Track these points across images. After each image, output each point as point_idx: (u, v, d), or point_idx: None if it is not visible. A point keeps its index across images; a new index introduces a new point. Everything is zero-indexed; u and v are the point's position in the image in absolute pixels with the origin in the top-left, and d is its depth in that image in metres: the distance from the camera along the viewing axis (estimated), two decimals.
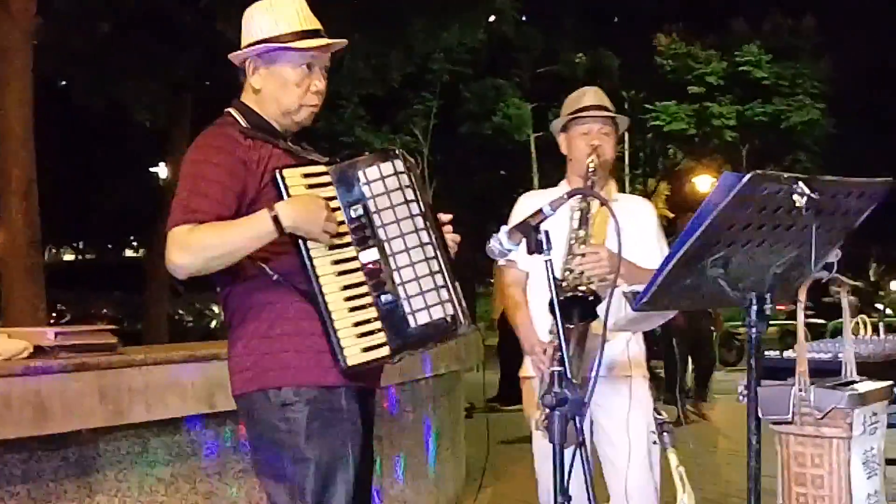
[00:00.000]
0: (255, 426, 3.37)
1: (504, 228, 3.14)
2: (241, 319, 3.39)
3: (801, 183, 2.82)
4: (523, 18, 32.88)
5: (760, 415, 3.19)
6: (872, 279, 42.27)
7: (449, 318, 3.30)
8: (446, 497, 7.31)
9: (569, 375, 3.05)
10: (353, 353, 3.21)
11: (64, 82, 18.91)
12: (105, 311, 20.31)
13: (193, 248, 3.18)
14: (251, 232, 3.18)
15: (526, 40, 36.23)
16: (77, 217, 31.12)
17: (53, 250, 40.76)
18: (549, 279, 3.07)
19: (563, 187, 4.72)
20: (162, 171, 26.69)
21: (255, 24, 3.48)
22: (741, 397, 4.14)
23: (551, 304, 3.11)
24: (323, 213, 3.18)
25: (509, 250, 3.28)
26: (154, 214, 18.53)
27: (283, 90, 3.44)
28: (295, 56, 3.43)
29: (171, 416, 4.72)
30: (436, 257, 3.34)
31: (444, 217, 3.44)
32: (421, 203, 3.35)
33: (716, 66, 38.91)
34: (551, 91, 37.54)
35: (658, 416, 3.94)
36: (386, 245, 3.29)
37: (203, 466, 4.96)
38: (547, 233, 3.16)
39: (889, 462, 3.65)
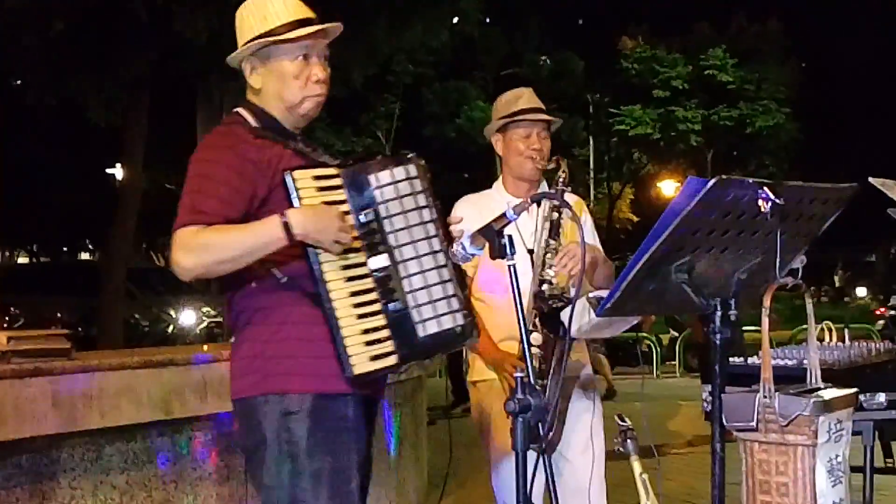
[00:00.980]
0: (254, 433, 3.29)
1: (467, 232, 3.14)
2: (246, 321, 3.33)
3: (766, 188, 2.84)
4: (487, 20, 32.93)
5: (725, 422, 3.21)
6: (838, 285, 42.64)
7: (458, 329, 3.27)
8: None
9: (532, 381, 3.06)
10: (361, 362, 3.17)
11: (17, 81, 18.76)
12: (59, 315, 20.18)
13: (199, 250, 3.14)
14: (260, 238, 3.14)
15: (489, 42, 36.34)
16: (31, 219, 30.89)
17: (6, 253, 40.44)
18: (511, 285, 3.07)
19: (500, 189, 4.68)
20: (118, 172, 26.51)
21: (246, 24, 3.44)
22: (705, 404, 4.16)
23: (523, 309, 3.12)
24: (336, 223, 3.14)
25: (472, 255, 3.29)
26: (110, 217, 18.43)
27: (282, 85, 3.39)
28: (289, 48, 3.38)
29: (126, 422, 4.69)
30: (446, 265, 3.31)
31: (454, 220, 3.41)
32: (433, 209, 3.31)
33: (681, 70, 39.20)
34: None
35: (622, 423, 3.97)
36: (396, 251, 3.25)
37: (159, 474, 4.94)
38: (510, 237, 3.17)
39: (854, 469, 3.68)
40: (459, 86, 37.72)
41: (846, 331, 5.07)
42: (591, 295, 3.49)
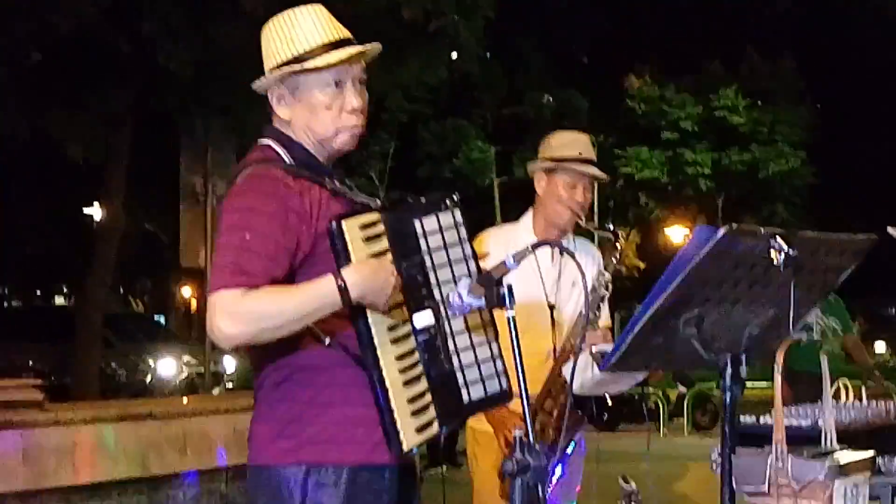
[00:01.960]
0: None
1: (464, 282, 3.13)
2: (283, 378, 3.17)
3: (778, 238, 2.84)
4: (487, 56, 33.08)
5: (735, 485, 3.20)
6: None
7: (501, 394, 3.18)
8: None
9: (531, 440, 3.04)
10: (410, 436, 3.04)
11: None
12: (31, 363, 20.13)
13: (247, 318, 2.97)
14: (314, 302, 2.99)
15: (490, 79, 36.44)
16: (2, 261, 30.83)
17: None
18: (511, 340, 3.06)
19: (528, 228, 4.78)
20: (96, 212, 26.52)
21: (271, 47, 3.26)
22: (714, 465, 4.16)
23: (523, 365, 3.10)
24: (392, 282, 3.01)
25: (470, 305, 3.28)
26: (87, 259, 18.42)
27: (313, 117, 3.22)
28: (319, 76, 3.20)
29: (100, 479, 4.67)
30: (492, 321, 3.23)
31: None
32: (472, 260, 3.21)
33: (690, 111, 39.28)
34: (516, 133, 37.80)
35: (626, 486, 3.96)
36: (441, 307, 3.12)
37: None
38: (510, 287, 3.17)
39: None
40: (457, 124, 37.80)
41: (863, 389, 5.06)
42: (594, 349, 3.50)
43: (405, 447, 3.05)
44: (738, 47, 39.95)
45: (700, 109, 39.25)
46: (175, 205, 13.33)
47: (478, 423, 4.59)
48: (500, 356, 3.17)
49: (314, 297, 3.00)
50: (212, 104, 14.56)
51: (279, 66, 3.23)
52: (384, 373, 3.03)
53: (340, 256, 3.02)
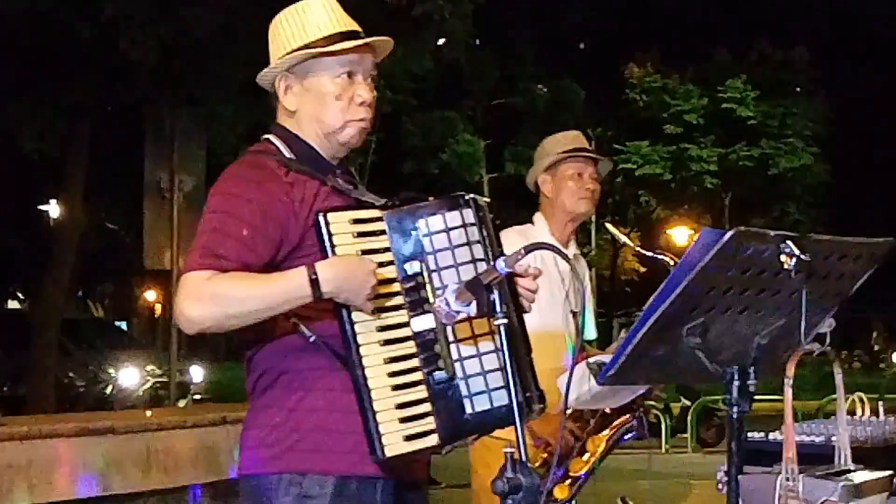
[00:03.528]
0: None
1: (451, 287, 3.14)
2: (266, 386, 3.25)
3: (790, 242, 2.85)
4: (477, 43, 33.10)
5: None
6: (876, 349, 42.65)
7: (513, 406, 3.08)
8: None
9: (523, 457, 3.05)
10: (393, 442, 3.07)
11: None
12: None
13: (212, 301, 3.06)
14: (283, 292, 3.07)
15: (479, 68, 36.49)
16: None
17: None
18: (502, 347, 3.06)
19: (543, 230, 5.01)
20: (53, 209, 26.51)
21: (282, 35, 3.35)
22: (720, 485, 4.17)
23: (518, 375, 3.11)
24: (371, 280, 3.06)
25: (457, 312, 3.28)
26: (43, 259, 18.40)
27: (321, 106, 3.32)
28: (331, 63, 3.31)
29: (58, 498, 4.67)
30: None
31: (523, 266, 3.28)
32: (492, 263, 3.15)
33: (695, 103, 39.38)
34: (507, 126, 37.88)
35: None
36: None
37: None
38: (501, 293, 3.17)
39: None
40: (444, 116, 37.85)
41: (881, 403, 5.07)
42: (591, 360, 3.51)
43: (386, 453, 3.07)
44: (747, 35, 40.05)
45: (706, 101, 39.38)
46: (139, 202, 13.32)
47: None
48: (513, 367, 3.12)
49: (284, 286, 3.07)
50: (179, 94, 14.56)
51: (289, 53, 3.31)
52: (366, 371, 3.07)
53: (323, 250, 3.09)
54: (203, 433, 6.12)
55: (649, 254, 4.64)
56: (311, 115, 3.34)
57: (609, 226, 4.99)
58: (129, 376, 21.28)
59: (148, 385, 21.19)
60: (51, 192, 24.21)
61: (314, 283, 3.03)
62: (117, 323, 38.81)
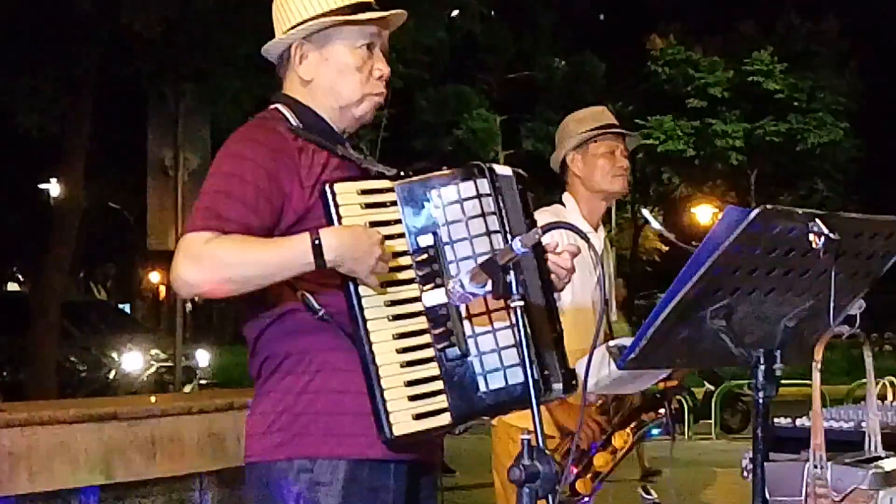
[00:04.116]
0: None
1: (466, 268, 3.13)
2: (273, 368, 3.25)
3: (818, 221, 2.85)
4: (492, 14, 33.06)
5: (768, 494, 3.21)
6: None
7: (528, 384, 3.07)
8: None
9: (541, 444, 3.05)
10: (402, 421, 3.07)
11: None
12: None
13: (209, 262, 3.07)
14: (284, 256, 3.07)
15: (495, 40, 36.46)
16: None
17: None
18: (519, 331, 3.05)
19: (574, 211, 5.03)
20: (54, 188, 26.55)
21: (296, 5, 3.35)
22: (746, 472, 4.17)
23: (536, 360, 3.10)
24: (376, 251, 3.06)
25: (473, 294, 3.28)
26: (44, 240, 18.42)
27: (340, 77, 3.35)
28: (352, 33, 3.34)
29: (59, 487, 4.69)
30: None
31: (552, 244, 3.32)
32: (509, 235, 3.20)
33: (720, 76, 39.26)
34: (524, 101, 37.83)
35: (647, 497, 3.98)
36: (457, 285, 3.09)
37: None
38: (517, 274, 3.16)
39: None
40: (458, 91, 37.84)
41: None
42: (611, 343, 3.50)
43: (394, 432, 3.07)
44: (774, 4, 39.89)
45: (731, 74, 39.24)
46: (142, 180, 13.33)
47: (514, 419, 4.65)
48: (529, 343, 3.11)
49: (285, 251, 3.08)
50: (183, 68, 14.56)
51: (308, 21, 3.32)
52: (374, 347, 3.08)
53: (329, 222, 3.10)
54: (210, 419, 6.14)
55: (687, 247, 4.64)
56: (327, 87, 3.36)
57: (647, 214, 4.99)
58: (133, 361, 21.33)
59: (152, 370, 21.25)
60: (51, 170, 24.19)
61: (317, 248, 3.03)
62: (120, 306, 38.90)
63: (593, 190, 5.04)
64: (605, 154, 5.03)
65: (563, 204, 5.08)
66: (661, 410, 4.68)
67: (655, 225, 4.80)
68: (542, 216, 4.72)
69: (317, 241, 3.03)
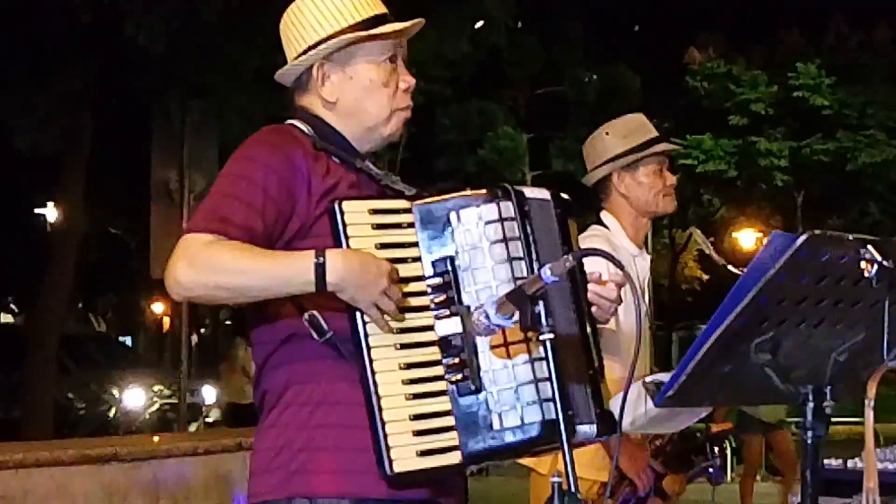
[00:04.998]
0: None
1: (491, 299, 3.13)
2: (274, 401, 3.28)
3: (870, 247, 2.84)
4: (519, 25, 33.10)
5: None
6: None
7: (546, 425, 3.12)
8: None
9: (573, 487, 3.04)
10: (405, 457, 3.08)
11: None
12: None
13: (205, 266, 3.10)
14: (283, 270, 3.09)
15: (522, 53, 36.50)
16: None
17: None
18: (549, 366, 3.05)
19: (619, 233, 5.04)
20: (50, 212, 26.66)
21: (309, 23, 3.40)
22: None
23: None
24: (382, 283, 3.07)
25: (497, 326, 3.27)
26: (40, 268, 18.48)
27: (367, 95, 3.40)
28: (375, 47, 3.39)
29: None
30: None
31: (595, 275, 3.32)
32: (536, 263, 3.20)
33: (763, 91, 39.18)
34: (553, 118, 37.84)
35: None
36: (473, 314, 3.10)
37: None
38: (546, 305, 3.15)
39: None
40: (483, 107, 37.88)
41: None
42: (647, 379, 3.49)
43: (395, 468, 3.07)
44: (821, 13, 39.84)
45: (775, 89, 39.14)
46: (145, 204, 13.38)
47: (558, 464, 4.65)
48: (552, 379, 3.09)
49: (286, 266, 3.10)
50: (189, 84, 14.61)
51: (327, 39, 3.35)
52: (377, 377, 3.08)
53: (336, 241, 3.11)
54: (216, 460, 6.14)
55: (736, 270, 4.63)
56: (354, 107, 3.40)
57: (697, 234, 5.00)
58: (135, 397, 21.41)
59: (155, 407, 21.32)
60: (47, 193, 24.34)
61: (320, 269, 3.04)
62: (121, 338, 39.04)
63: (642, 210, 5.07)
64: (654, 172, 5.06)
65: (604, 225, 5.05)
66: (715, 460, 4.68)
67: (708, 249, 4.80)
68: (591, 241, 4.71)
69: (321, 261, 3.04)
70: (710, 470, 4.80)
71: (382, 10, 3.43)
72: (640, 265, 5.02)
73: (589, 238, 4.83)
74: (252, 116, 15.84)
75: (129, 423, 20.69)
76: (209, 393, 22.60)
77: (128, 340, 40.90)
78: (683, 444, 4.85)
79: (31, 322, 20.54)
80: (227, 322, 40.06)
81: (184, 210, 12.57)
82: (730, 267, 4.72)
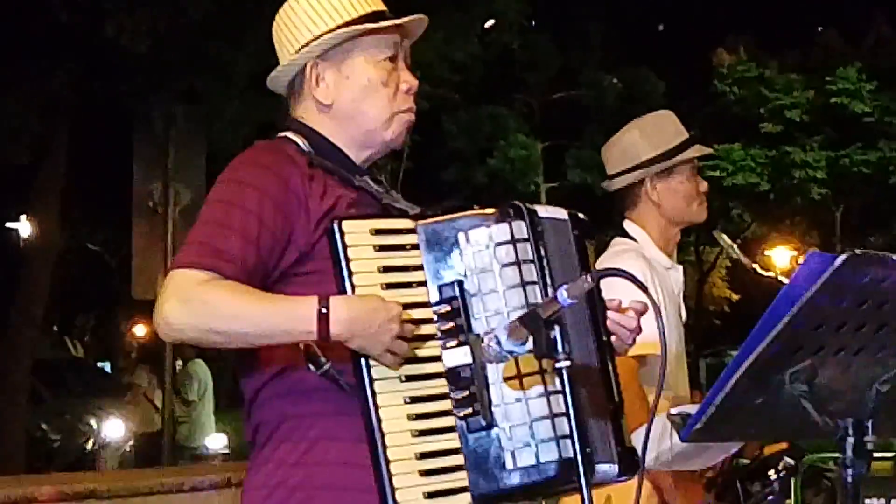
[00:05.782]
0: None
1: (503, 324, 3.12)
2: (268, 435, 3.28)
3: None
4: (532, 24, 33.15)
5: None
6: None
7: (562, 465, 3.10)
8: None
9: None
10: (411, 499, 3.06)
11: None
12: None
13: (199, 308, 3.07)
14: (283, 319, 3.08)
15: (536, 55, 36.55)
16: None
17: None
18: (566, 398, 3.04)
19: (648, 245, 4.94)
20: (23, 227, 26.66)
21: (303, 22, 3.41)
22: None
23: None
24: (393, 329, 3.05)
25: (510, 353, 3.26)
26: (11, 288, 18.49)
27: (365, 96, 3.40)
28: (373, 44, 3.40)
29: None
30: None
31: (615, 303, 3.31)
32: (550, 288, 3.19)
33: (798, 96, 39.20)
34: (570, 125, 37.85)
35: None
36: (483, 343, 3.06)
37: None
38: (563, 330, 3.14)
39: None
40: (494, 113, 37.92)
41: None
42: (673, 411, 3.48)
43: None
44: (860, 13, 39.86)
45: (811, 94, 39.16)
46: (126, 219, 13.40)
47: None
48: (569, 414, 3.07)
49: (286, 313, 3.08)
50: (174, 87, 14.64)
51: (323, 35, 3.36)
52: (380, 412, 3.06)
53: (336, 264, 3.09)
54: (204, 497, 6.12)
55: (767, 274, 4.61)
56: (352, 109, 3.40)
57: (722, 236, 4.95)
58: (115, 429, 21.36)
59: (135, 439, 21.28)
60: (21, 206, 24.37)
61: (323, 319, 3.03)
62: (100, 364, 39.01)
63: (674, 220, 5.00)
64: (689, 178, 4.98)
65: (630, 237, 5.01)
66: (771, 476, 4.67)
67: (735, 253, 4.77)
68: (622, 258, 4.67)
69: (324, 310, 3.03)
70: (770, 497, 4.77)
71: (381, 7, 3.44)
72: (675, 278, 4.97)
73: (618, 254, 4.77)
74: (242, 124, 15.87)
75: (109, 456, 20.67)
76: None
77: (107, 366, 40.87)
78: (734, 473, 4.83)
79: (1, 346, 20.55)
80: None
81: (168, 225, 12.58)
82: (758, 269, 4.70)
